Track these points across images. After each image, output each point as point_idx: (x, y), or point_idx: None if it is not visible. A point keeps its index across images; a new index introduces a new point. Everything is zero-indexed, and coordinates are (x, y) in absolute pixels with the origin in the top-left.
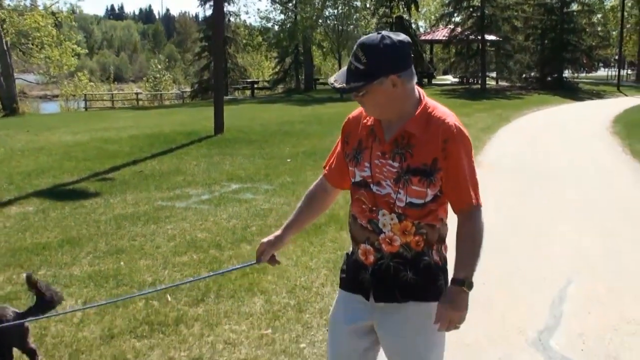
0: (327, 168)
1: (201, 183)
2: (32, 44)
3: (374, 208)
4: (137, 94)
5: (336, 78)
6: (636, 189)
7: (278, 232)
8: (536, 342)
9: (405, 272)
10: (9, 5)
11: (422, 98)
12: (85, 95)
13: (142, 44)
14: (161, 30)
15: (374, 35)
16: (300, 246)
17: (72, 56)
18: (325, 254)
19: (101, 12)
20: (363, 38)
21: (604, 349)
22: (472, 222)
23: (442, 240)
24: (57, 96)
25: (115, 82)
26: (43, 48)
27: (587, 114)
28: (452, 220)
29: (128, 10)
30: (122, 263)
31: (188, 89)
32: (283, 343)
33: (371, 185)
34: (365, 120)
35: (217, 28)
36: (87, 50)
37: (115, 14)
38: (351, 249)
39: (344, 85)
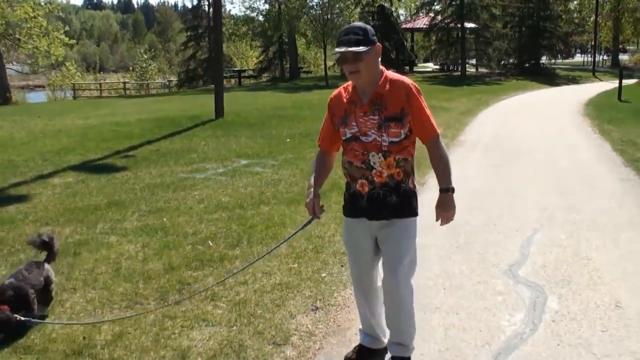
0: (320, 142)
1: (214, 159)
2: (20, 35)
3: (365, 152)
4: (124, 83)
5: (341, 47)
6: (597, 161)
7: (311, 192)
8: (507, 271)
9: (390, 197)
10: None
11: (383, 70)
12: (73, 84)
13: (121, 34)
14: (141, 19)
15: (359, 22)
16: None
17: (60, 46)
18: (331, 213)
19: (79, 2)
20: (353, 23)
21: (560, 276)
22: (439, 146)
23: (412, 172)
24: (39, 86)
25: (101, 72)
26: (31, 38)
27: (562, 98)
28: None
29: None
30: (164, 219)
31: (173, 78)
32: (307, 273)
33: (360, 137)
34: (345, 95)
35: (216, 20)
36: (75, 41)
37: (93, 4)
38: (347, 188)
39: (353, 48)
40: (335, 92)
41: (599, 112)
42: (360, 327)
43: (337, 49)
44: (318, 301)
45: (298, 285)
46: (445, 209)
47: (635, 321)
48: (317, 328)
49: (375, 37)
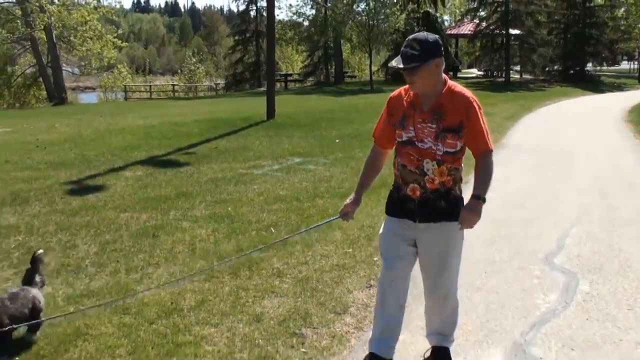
0: (376, 137)
1: (269, 157)
2: (74, 38)
3: (420, 158)
4: (173, 85)
5: (396, 62)
6: (636, 165)
7: (354, 196)
8: (544, 259)
9: (440, 202)
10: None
11: (446, 80)
12: (125, 86)
13: (168, 37)
14: (188, 23)
15: (421, 33)
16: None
17: (113, 49)
18: (381, 207)
19: (127, 5)
20: (416, 35)
21: (592, 264)
22: (487, 160)
23: (461, 180)
24: (88, 88)
25: (156, 75)
26: (85, 41)
27: (606, 104)
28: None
29: (154, 3)
30: (229, 208)
31: (220, 81)
32: (361, 257)
33: (416, 142)
34: (405, 98)
35: (269, 25)
36: (127, 44)
37: (141, 7)
38: (395, 189)
39: (405, 65)
40: (396, 91)
41: None
42: (371, 337)
43: (393, 62)
44: (371, 280)
45: (353, 266)
46: (472, 214)
47: None
48: (372, 302)
49: (437, 50)
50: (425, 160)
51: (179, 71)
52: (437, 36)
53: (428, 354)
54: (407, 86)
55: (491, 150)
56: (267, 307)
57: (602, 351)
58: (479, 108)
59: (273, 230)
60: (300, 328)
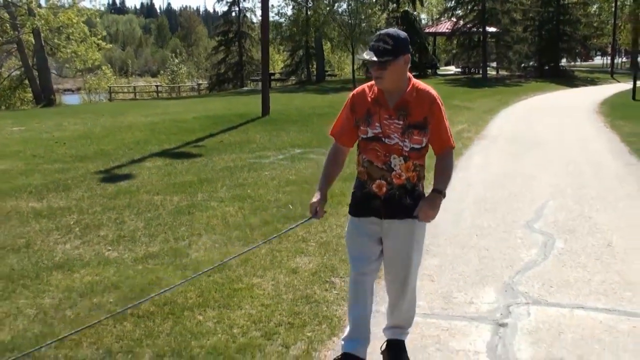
0: (336, 134)
1: (272, 148)
2: (59, 40)
3: (387, 154)
4: (157, 86)
5: (368, 55)
6: (605, 150)
7: (318, 194)
8: (525, 225)
9: (405, 199)
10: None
11: (410, 77)
12: (110, 87)
13: (144, 38)
14: (165, 24)
15: (392, 29)
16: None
17: (97, 51)
18: None
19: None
20: (387, 30)
21: (566, 228)
22: (449, 157)
23: (424, 177)
24: (68, 90)
25: (133, 76)
26: (70, 43)
27: (579, 98)
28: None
29: (129, 4)
30: (248, 191)
31: (202, 82)
32: None
33: (382, 138)
34: (370, 94)
35: (263, 25)
36: (112, 45)
37: (116, 8)
38: (359, 186)
39: (377, 58)
40: (359, 88)
41: (612, 110)
42: (345, 337)
43: (364, 54)
44: None
45: None
46: (431, 206)
47: (621, 254)
48: None
49: (406, 46)
50: (393, 156)
51: (161, 72)
52: (405, 34)
53: (384, 346)
54: (370, 83)
55: (453, 147)
56: (299, 263)
57: (574, 287)
58: (442, 105)
59: (291, 207)
60: (330, 277)
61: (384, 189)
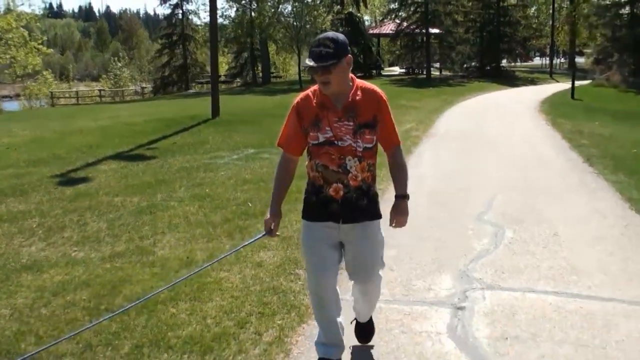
0: (284, 144)
1: (226, 149)
2: None
3: (342, 156)
4: (100, 90)
5: (311, 62)
6: (548, 146)
7: (272, 210)
8: (476, 217)
9: (362, 200)
10: None
11: (353, 78)
12: (52, 93)
13: (84, 42)
14: (105, 27)
15: (331, 32)
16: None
17: (38, 56)
18: None
19: (39, 10)
20: (326, 34)
21: (515, 219)
22: (400, 155)
23: (375, 176)
24: (4, 97)
25: (74, 81)
26: (9, 49)
27: (521, 97)
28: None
29: (67, 8)
30: (207, 190)
31: (145, 85)
32: None
33: (335, 142)
34: (314, 100)
35: (212, 28)
36: (52, 50)
37: (54, 12)
38: (312, 191)
39: (321, 63)
40: (302, 94)
41: (553, 108)
42: (318, 340)
43: (307, 62)
44: None
45: None
46: (401, 213)
47: (567, 242)
48: None
49: (347, 48)
50: (347, 158)
51: (103, 76)
52: (344, 35)
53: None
54: (313, 88)
55: (400, 143)
56: (264, 257)
57: (525, 273)
58: (387, 102)
59: (250, 204)
60: (294, 270)
61: (341, 192)
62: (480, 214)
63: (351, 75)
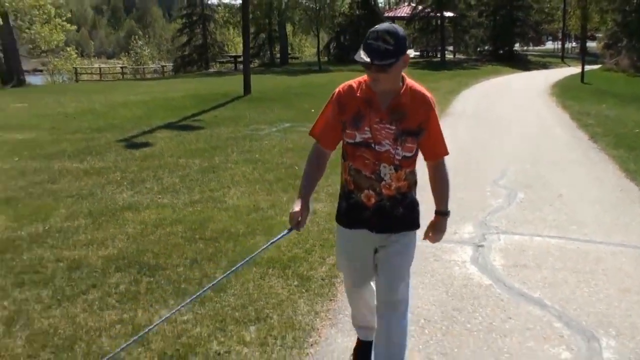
0: (318, 135)
1: (263, 122)
2: (22, 22)
3: (377, 162)
4: (122, 67)
5: (368, 57)
6: (556, 125)
7: (301, 203)
8: (491, 182)
9: (397, 209)
10: None
11: (404, 77)
12: (75, 69)
13: (97, 19)
14: (120, 6)
15: (390, 25)
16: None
17: (62, 32)
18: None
19: None
20: (385, 26)
21: (525, 183)
22: (444, 167)
23: (416, 183)
24: (26, 71)
25: (95, 58)
26: (33, 24)
27: (533, 80)
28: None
29: None
30: (256, 155)
31: (164, 64)
32: None
33: (372, 145)
34: (359, 94)
35: (244, 8)
36: (76, 27)
37: None
38: (345, 196)
39: (379, 62)
40: (344, 85)
41: (563, 91)
42: (356, 322)
43: (362, 56)
44: None
45: None
46: (439, 231)
47: (569, 202)
48: None
49: (406, 44)
50: (382, 165)
51: (124, 53)
52: (403, 30)
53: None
54: (358, 80)
55: (448, 154)
56: (316, 207)
57: (533, 223)
58: (435, 109)
59: (297, 167)
60: None
61: (373, 200)
62: (495, 180)
63: (402, 73)
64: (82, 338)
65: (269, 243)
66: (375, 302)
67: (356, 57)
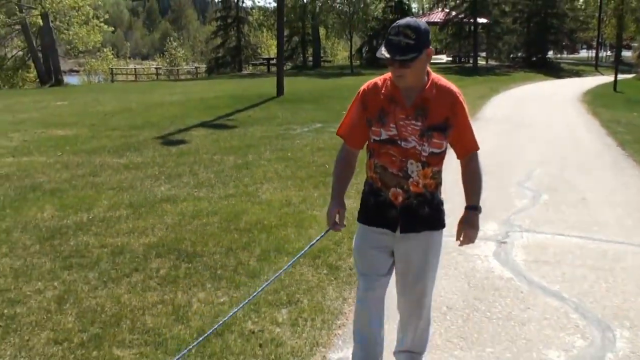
0: (345, 135)
1: (295, 122)
2: (61, 22)
3: (404, 159)
4: (157, 68)
5: (388, 53)
6: (586, 132)
7: (336, 202)
8: (517, 184)
9: (424, 208)
10: None
11: (429, 72)
12: (111, 69)
13: (132, 21)
14: (155, 7)
15: (411, 19)
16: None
17: (99, 33)
18: None
19: None
20: (406, 21)
21: (550, 186)
22: (476, 162)
23: (441, 183)
24: (65, 71)
25: (130, 59)
26: (72, 26)
27: (565, 88)
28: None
29: None
30: (288, 154)
31: (198, 65)
32: None
33: (398, 141)
34: (383, 91)
35: (280, 12)
36: (112, 28)
37: None
38: (371, 193)
39: (400, 57)
40: (369, 83)
41: (595, 99)
42: (355, 353)
43: (383, 52)
44: None
45: None
46: (471, 227)
47: (593, 204)
48: None
49: (429, 38)
50: (410, 162)
51: (158, 55)
52: (425, 23)
53: None
54: (382, 77)
55: (478, 149)
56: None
57: (555, 223)
58: (464, 102)
59: (327, 166)
60: None
61: (400, 198)
62: (520, 181)
63: (427, 68)
64: (127, 315)
65: (315, 240)
66: (383, 323)
67: (377, 54)
